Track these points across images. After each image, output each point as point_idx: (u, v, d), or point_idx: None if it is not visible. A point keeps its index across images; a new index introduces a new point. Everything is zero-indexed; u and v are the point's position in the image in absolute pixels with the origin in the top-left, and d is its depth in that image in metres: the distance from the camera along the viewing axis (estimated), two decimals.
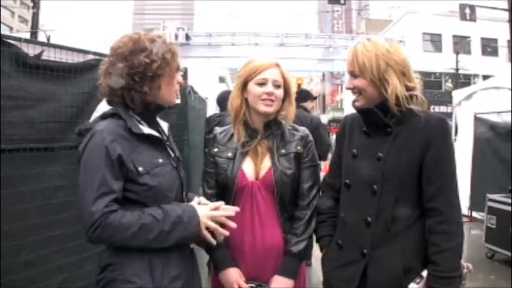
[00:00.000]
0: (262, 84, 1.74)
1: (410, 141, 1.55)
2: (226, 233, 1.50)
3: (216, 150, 1.82)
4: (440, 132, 1.54)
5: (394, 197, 1.54)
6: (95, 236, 1.32)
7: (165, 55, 1.46)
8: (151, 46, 1.44)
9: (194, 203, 1.53)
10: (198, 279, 1.62)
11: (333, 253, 1.70)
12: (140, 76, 1.42)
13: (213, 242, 1.48)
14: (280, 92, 1.76)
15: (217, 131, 1.89)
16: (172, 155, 1.57)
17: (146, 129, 1.46)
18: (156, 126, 1.56)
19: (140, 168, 1.40)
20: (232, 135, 1.81)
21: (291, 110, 1.81)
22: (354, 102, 1.63)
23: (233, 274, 1.70)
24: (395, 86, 1.52)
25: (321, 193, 1.82)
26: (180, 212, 1.42)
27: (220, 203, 1.55)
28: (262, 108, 1.73)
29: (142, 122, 1.48)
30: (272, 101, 1.73)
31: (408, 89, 1.55)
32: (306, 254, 1.73)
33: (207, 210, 1.48)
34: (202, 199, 1.57)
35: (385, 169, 1.54)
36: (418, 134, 1.54)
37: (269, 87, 1.73)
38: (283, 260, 1.71)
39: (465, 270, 1.55)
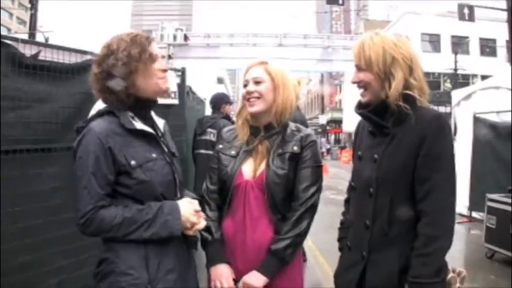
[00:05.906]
0: (245, 86, 1.78)
1: (405, 140, 1.48)
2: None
3: (221, 146, 1.84)
4: (434, 128, 1.45)
5: (389, 200, 1.48)
6: (84, 228, 1.39)
7: (131, 51, 1.45)
8: (118, 46, 1.46)
9: (181, 201, 1.53)
10: (194, 273, 1.63)
11: (344, 254, 1.70)
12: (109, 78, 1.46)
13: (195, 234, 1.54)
14: (261, 88, 1.74)
15: (224, 130, 1.92)
16: (167, 150, 1.58)
17: (139, 125, 1.49)
18: (150, 123, 1.58)
19: (132, 162, 1.43)
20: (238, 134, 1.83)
21: (280, 102, 1.74)
22: (360, 97, 1.59)
23: (219, 270, 1.68)
24: (399, 81, 1.47)
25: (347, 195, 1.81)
26: (160, 204, 1.45)
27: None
28: (248, 108, 1.76)
29: (135, 118, 1.51)
30: (255, 98, 1.73)
31: (411, 87, 1.49)
32: (286, 253, 1.66)
33: (190, 208, 1.51)
34: (194, 201, 1.57)
35: (379, 171, 1.51)
36: (413, 132, 1.46)
37: (249, 87, 1.76)
38: (264, 257, 1.67)
39: (450, 275, 1.47)
